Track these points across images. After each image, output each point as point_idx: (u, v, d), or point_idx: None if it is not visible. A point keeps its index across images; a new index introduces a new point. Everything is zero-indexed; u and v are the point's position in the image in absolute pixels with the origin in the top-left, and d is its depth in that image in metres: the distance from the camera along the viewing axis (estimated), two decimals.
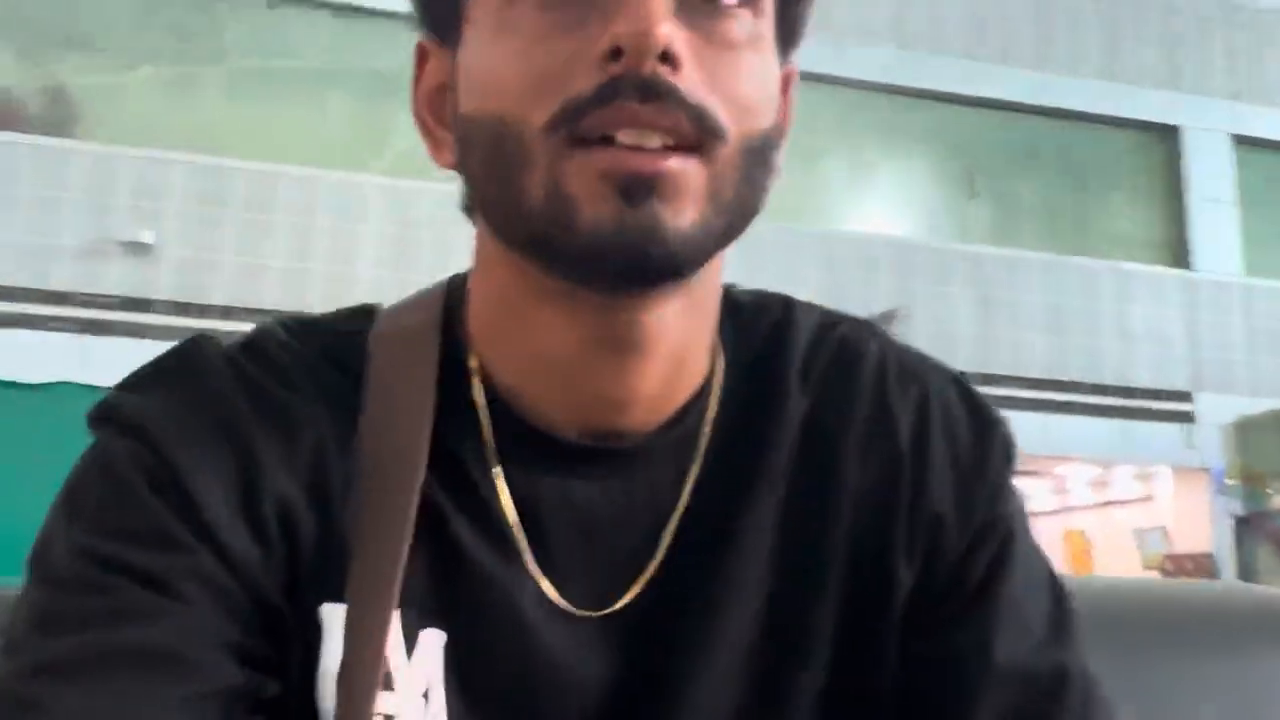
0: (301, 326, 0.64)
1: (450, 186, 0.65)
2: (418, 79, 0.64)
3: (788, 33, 0.61)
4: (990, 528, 0.64)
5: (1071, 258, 8.23)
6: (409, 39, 0.65)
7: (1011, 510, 0.65)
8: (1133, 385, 8.01)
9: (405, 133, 7.59)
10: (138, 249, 6.46)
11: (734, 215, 0.55)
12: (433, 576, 0.58)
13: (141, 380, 0.59)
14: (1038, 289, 8.02)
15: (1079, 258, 8.26)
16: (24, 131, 6.68)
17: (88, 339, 6.25)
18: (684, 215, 0.52)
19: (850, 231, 7.94)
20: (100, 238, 6.46)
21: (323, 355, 0.62)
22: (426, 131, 0.63)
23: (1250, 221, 8.73)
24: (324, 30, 7.37)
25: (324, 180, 6.86)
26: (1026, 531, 0.66)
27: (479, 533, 0.59)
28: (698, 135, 0.53)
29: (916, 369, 0.67)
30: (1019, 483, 0.68)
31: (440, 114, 0.62)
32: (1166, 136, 8.78)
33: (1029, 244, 8.31)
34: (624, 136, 0.52)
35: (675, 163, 0.52)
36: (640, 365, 0.59)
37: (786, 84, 0.63)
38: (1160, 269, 8.46)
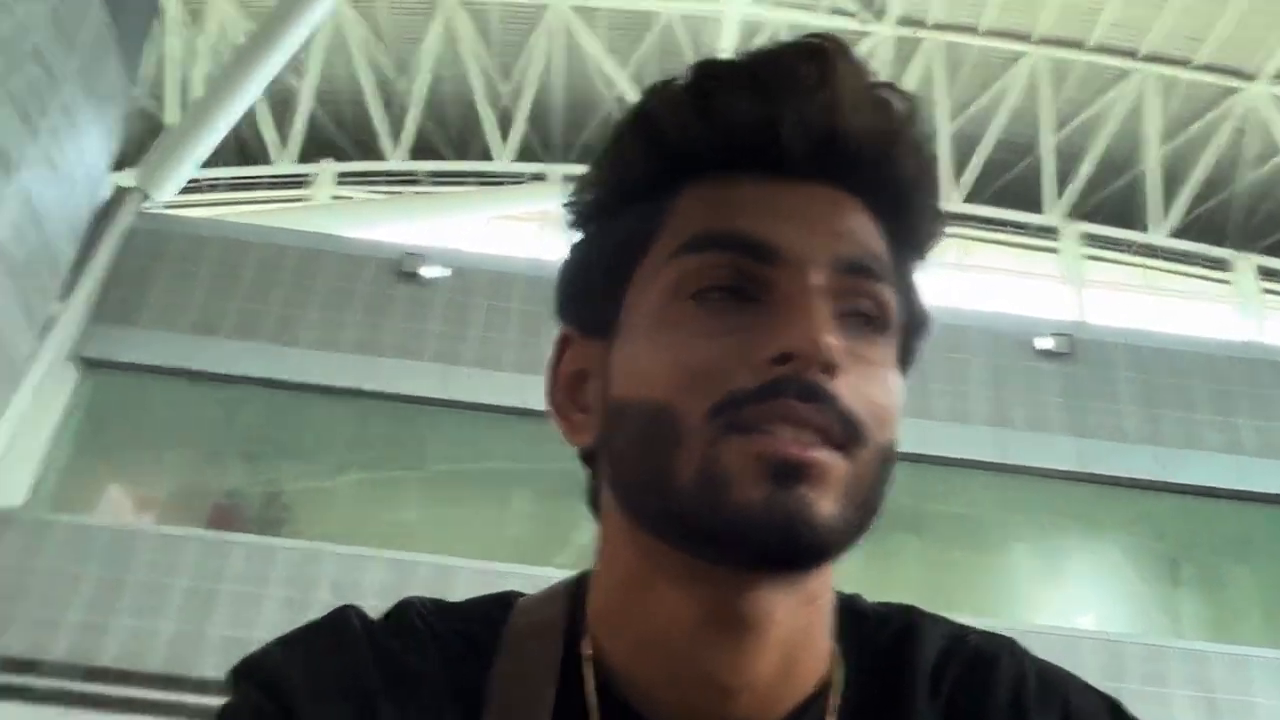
0: (442, 608, 0.67)
1: None
2: (557, 365, 0.67)
3: (905, 360, 0.65)
4: None
5: None
6: None
7: None
8: None
9: (586, 528, 7.82)
10: None
11: (865, 513, 0.57)
12: None
13: (291, 640, 0.64)
14: (1269, 691, 7.20)
15: None
16: (243, 531, 7.24)
17: None
18: (827, 503, 0.55)
19: (1049, 626, 7.46)
20: None
21: (459, 636, 0.64)
22: (562, 414, 0.66)
23: None
24: (514, 434, 7.89)
25: (505, 573, 7.03)
26: None
27: None
28: (844, 438, 0.56)
29: (1058, 682, 0.65)
30: None
31: (576, 398, 0.65)
32: None
33: (1251, 639, 7.57)
34: (779, 430, 0.55)
35: (824, 454, 0.55)
36: (752, 647, 0.58)
37: None
38: None
